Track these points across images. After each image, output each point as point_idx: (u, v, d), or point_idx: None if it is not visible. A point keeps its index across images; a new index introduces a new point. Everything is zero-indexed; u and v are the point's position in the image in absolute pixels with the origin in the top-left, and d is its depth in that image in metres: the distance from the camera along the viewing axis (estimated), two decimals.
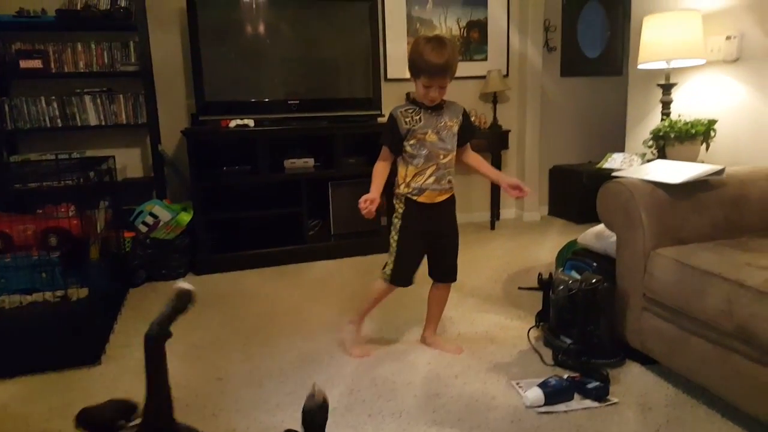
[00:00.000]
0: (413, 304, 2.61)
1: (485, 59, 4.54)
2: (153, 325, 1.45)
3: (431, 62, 1.98)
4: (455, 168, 2.22)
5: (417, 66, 2.02)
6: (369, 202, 2.06)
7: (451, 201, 2.23)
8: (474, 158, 2.30)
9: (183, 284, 1.46)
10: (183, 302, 1.46)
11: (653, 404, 1.84)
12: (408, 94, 2.10)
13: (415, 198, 2.15)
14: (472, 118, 4.39)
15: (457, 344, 2.32)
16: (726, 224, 2.01)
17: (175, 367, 2.22)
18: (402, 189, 2.17)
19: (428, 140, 2.10)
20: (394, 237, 2.20)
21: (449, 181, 2.18)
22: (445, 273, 2.28)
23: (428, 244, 2.22)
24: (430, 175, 2.13)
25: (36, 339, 2.39)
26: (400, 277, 2.19)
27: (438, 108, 2.12)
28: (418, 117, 2.10)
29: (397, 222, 2.20)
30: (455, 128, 2.15)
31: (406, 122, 2.09)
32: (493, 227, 4.48)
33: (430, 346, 2.33)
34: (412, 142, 2.10)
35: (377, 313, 2.43)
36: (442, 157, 2.12)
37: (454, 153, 2.17)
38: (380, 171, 2.18)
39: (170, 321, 1.47)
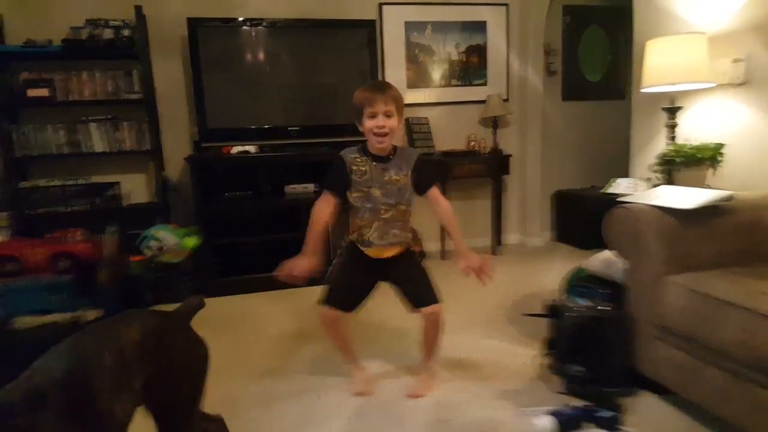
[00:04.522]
0: (419, 331, 2.60)
1: (485, 84, 4.58)
2: None
3: (367, 86, 2.01)
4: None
5: (358, 102, 1.99)
6: (294, 271, 1.92)
7: (404, 255, 2.11)
8: (444, 213, 2.12)
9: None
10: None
11: None
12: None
13: (363, 249, 2.08)
14: (471, 143, 4.43)
15: (421, 390, 2.17)
16: (737, 251, 1.99)
17: None
18: (354, 236, 2.10)
19: (372, 194, 2.02)
20: (332, 269, 2.14)
21: (395, 235, 2.06)
22: (417, 299, 2.09)
23: (388, 281, 2.12)
24: (374, 230, 2.05)
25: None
26: (331, 299, 2.09)
27: (385, 160, 2.03)
28: (365, 168, 2.02)
29: (338, 260, 2.14)
30: (403, 181, 2.03)
31: (353, 170, 2.02)
32: (495, 252, 4.47)
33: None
34: (356, 194, 2.03)
35: (385, 338, 2.41)
36: (383, 212, 2.03)
37: (402, 206, 2.05)
38: (319, 215, 2.01)
39: None
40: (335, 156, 2.07)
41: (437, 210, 2.11)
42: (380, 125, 1.96)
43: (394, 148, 2.07)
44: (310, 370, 2.39)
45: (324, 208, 2.04)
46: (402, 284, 2.12)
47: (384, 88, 2.00)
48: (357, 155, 2.05)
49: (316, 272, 1.96)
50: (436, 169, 2.22)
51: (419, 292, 2.10)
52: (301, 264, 1.94)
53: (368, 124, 1.97)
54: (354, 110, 2.01)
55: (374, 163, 2.03)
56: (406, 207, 2.08)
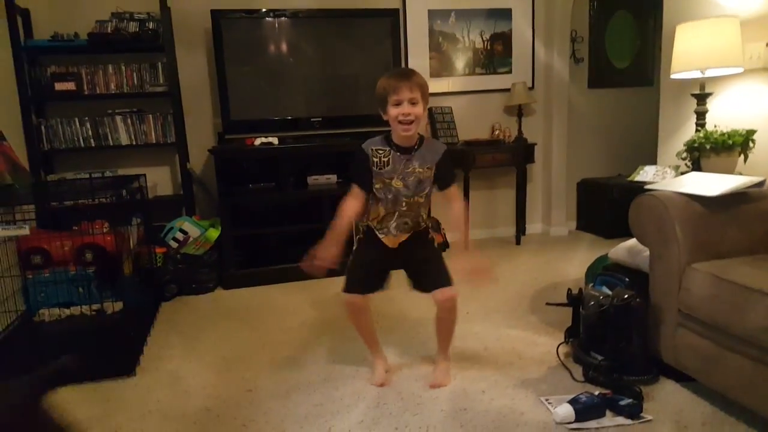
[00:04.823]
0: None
1: (509, 72, 4.51)
2: None
3: (391, 74, 1.95)
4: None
5: (382, 90, 1.94)
6: (319, 261, 1.91)
7: (413, 236, 2.08)
8: (457, 211, 2.05)
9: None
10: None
11: (689, 422, 1.79)
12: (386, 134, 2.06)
13: (381, 236, 2.06)
14: (496, 132, 4.39)
15: (442, 380, 2.14)
16: (766, 238, 1.95)
17: (207, 378, 2.27)
18: (373, 223, 2.07)
19: (394, 186, 1.99)
20: (350, 258, 2.13)
21: (405, 224, 2.04)
22: (429, 281, 2.06)
23: (399, 266, 2.12)
24: (394, 221, 2.04)
25: (74, 350, 2.44)
26: (351, 284, 2.07)
27: (409, 151, 1.99)
28: (386, 159, 1.99)
29: (354, 248, 2.13)
30: (425, 174, 2.00)
31: (374, 162, 1.99)
32: (518, 242, 4.42)
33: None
34: (378, 185, 2.01)
35: (404, 328, 2.41)
36: (403, 204, 2.02)
37: (420, 198, 2.03)
38: (347, 211, 2.00)
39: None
40: (357, 149, 2.04)
41: (452, 207, 2.07)
42: (406, 113, 1.90)
43: (421, 138, 2.03)
44: (328, 361, 2.39)
45: (352, 205, 2.02)
46: (412, 265, 2.10)
47: (409, 74, 1.94)
48: (379, 146, 2.02)
49: (337, 262, 1.95)
50: (454, 165, 2.13)
51: (431, 274, 2.06)
52: (326, 253, 1.94)
53: (393, 112, 1.92)
54: (378, 99, 1.97)
55: (397, 153, 2.00)
56: (423, 199, 2.05)
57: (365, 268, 2.10)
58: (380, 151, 2.00)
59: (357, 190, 2.03)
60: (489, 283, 1.97)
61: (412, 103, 1.91)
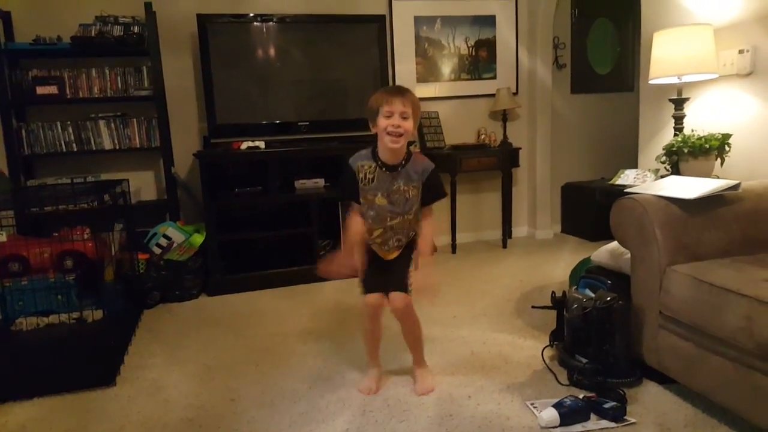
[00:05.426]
0: (426, 325, 2.59)
1: (494, 77, 4.55)
2: None
3: (385, 89, 1.99)
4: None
5: (375, 102, 1.97)
6: (339, 266, 1.98)
7: (404, 252, 2.12)
8: (426, 224, 2.09)
9: None
10: None
11: (672, 424, 1.80)
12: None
13: (373, 247, 2.12)
14: (482, 137, 4.42)
15: (426, 386, 2.13)
16: (743, 240, 1.99)
17: (189, 387, 2.25)
18: (366, 234, 2.11)
19: (377, 203, 2.02)
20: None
21: (398, 240, 2.09)
22: (388, 285, 2.05)
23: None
24: (377, 236, 2.07)
25: (53, 360, 2.41)
26: (368, 286, 2.07)
27: (395, 168, 2.01)
28: (372, 176, 2.01)
29: None
30: (412, 192, 2.02)
31: (360, 178, 2.02)
32: (505, 246, 4.45)
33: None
34: (362, 201, 2.04)
35: (392, 337, 2.38)
36: (389, 219, 2.04)
37: (409, 216, 2.05)
38: (354, 227, 2.04)
39: None
40: (345, 165, 2.06)
41: (423, 220, 2.10)
42: (395, 125, 1.91)
43: (408, 155, 2.04)
44: (314, 368, 2.38)
45: (357, 220, 2.06)
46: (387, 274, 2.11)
47: (404, 91, 1.97)
48: (365, 162, 2.03)
49: (356, 270, 1.98)
50: (441, 170, 2.17)
51: (390, 281, 2.05)
52: (345, 260, 1.99)
53: (383, 123, 1.93)
54: (369, 111, 1.99)
55: (383, 170, 2.01)
56: (413, 216, 2.07)
57: (372, 271, 2.10)
58: (366, 167, 2.02)
59: (356, 205, 2.07)
60: (432, 299, 2.10)
61: (404, 117, 1.93)
